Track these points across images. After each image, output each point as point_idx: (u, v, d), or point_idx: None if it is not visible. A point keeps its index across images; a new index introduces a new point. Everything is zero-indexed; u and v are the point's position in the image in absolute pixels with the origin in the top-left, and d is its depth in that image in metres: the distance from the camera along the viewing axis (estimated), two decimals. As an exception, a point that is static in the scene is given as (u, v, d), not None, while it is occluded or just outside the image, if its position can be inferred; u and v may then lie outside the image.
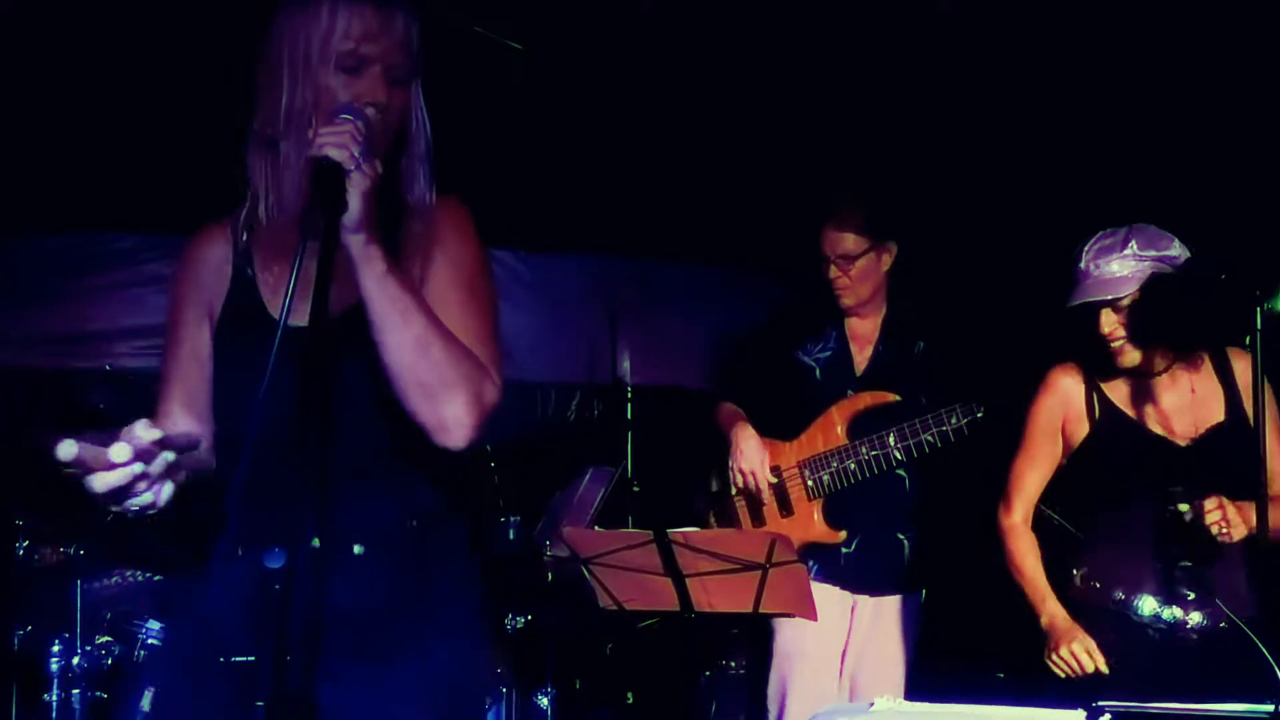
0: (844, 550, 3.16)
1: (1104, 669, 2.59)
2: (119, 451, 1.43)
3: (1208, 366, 2.71)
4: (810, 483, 3.17)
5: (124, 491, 1.45)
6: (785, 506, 3.21)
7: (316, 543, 1.38)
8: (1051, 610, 2.72)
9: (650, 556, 2.74)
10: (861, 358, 3.25)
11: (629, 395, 5.04)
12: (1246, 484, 2.43)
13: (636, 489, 3.48)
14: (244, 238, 1.76)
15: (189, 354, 1.76)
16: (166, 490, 1.50)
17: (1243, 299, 2.38)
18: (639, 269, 5.19)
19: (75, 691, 3.19)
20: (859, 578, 3.17)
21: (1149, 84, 3.90)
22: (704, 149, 4.48)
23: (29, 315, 4.48)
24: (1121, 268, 2.61)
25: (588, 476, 4.02)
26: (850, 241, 3.19)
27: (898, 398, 3.13)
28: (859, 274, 3.19)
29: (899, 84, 4.14)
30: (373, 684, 1.64)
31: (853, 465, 3.12)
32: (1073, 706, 1.49)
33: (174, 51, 3.63)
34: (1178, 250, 2.63)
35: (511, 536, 3.81)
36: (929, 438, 3.03)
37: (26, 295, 4.48)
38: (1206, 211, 2.72)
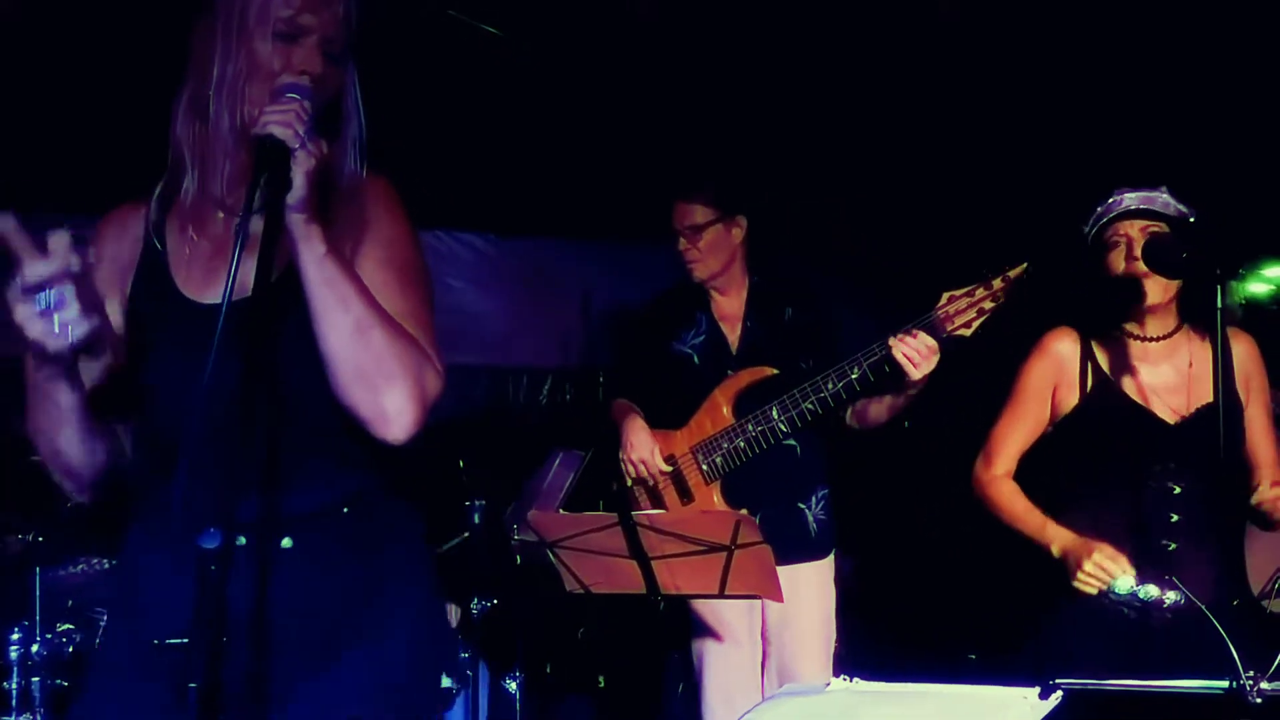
0: None
1: (1130, 569, 2.56)
2: (56, 239, 1.40)
3: (1207, 343, 2.67)
4: (705, 466, 3.20)
5: (52, 293, 1.40)
6: (685, 493, 3.23)
7: (242, 540, 1.34)
8: (1056, 535, 2.66)
9: (616, 539, 2.74)
10: (734, 336, 3.28)
11: (601, 379, 5.02)
12: (1232, 466, 2.45)
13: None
14: (155, 212, 1.71)
15: None
16: (88, 326, 1.44)
17: (1204, 278, 2.38)
18: (610, 252, 5.17)
19: (35, 679, 3.16)
20: None
21: (1113, 67, 3.92)
22: (677, 133, 4.46)
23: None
24: (1151, 203, 2.64)
25: (557, 460, 4.00)
26: (698, 214, 3.24)
27: (775, 371, 3.17)
28: (707, 246, 3.24)
29: (889, 82, 4.15)
30: (322, 682, 1.60)
31: (742, 443, 3.14)
32: (1029, 685, 1.48)
33: (140, 36, 3.58)
34: (1194, 217, 2.67)
35: (477, 520, 3.79)
36: (810, 406, 3.04)
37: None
38: (1178, 177, 2.72)
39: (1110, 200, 2.70)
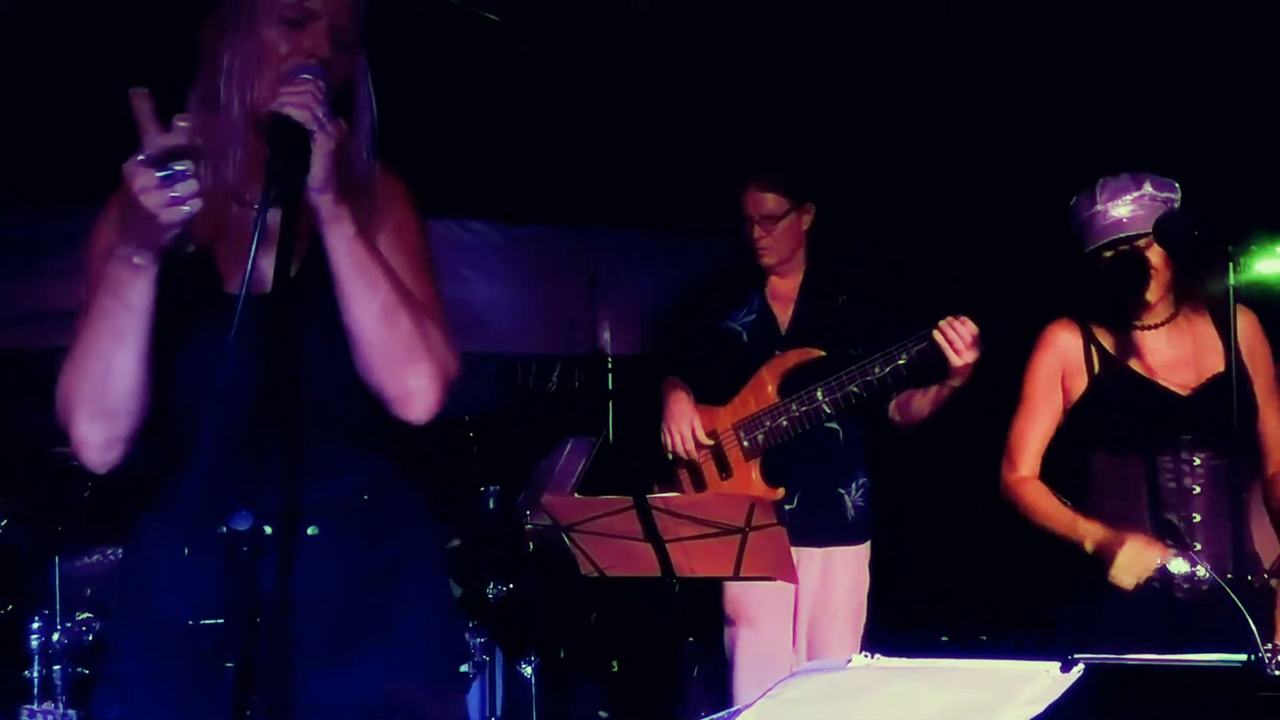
0: (786, 507, 3.21)
1: (1164, 555, 2.55)
2: (180, 117, 1.47)
3: (1209, 317, 2.68)
4: (746, 443, 3.22)
5: (176, 165, 1.46)
6: (724, 468, 3.25)
7: (269, 530, 1.36)
8: (1087, 531, 2.65)
9: (630, 522, 2.74)
10: (785, 316, 3.31)
11: (609, 365, 5.04)
12: (1243, 438, 2.44)
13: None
14: None
15: None
16: (199, 203, 1.49)
17: (1216, 256, 2.38)
18: (617, 239, 5.18)
19: (56, 668, 3.19)
20: (802, 532, 3.20)
21: (1116, 42, 3.91)
22: (683, 117, 4.46)
23: (3, 292, 4.44)
24: (1138, 208, 2.59)
25: (568, 446, 4.02)
26: (772, 202, 3.26)
27: (823, 353, 3.19)
28: (781, 234, 3.26)
29: (888, 79, 4.15)
30: (348, 667, 1.62)
31: (784, 422, 3.16)
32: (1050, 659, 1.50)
33: (148, 28, 3.59)
34: (1178, 196, 2.63)
35: (492, 506, 3.81)
36: (855, 389, 3.07)
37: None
38: (1179, 168, 2.70)
39: (1096, 209, 2.63)
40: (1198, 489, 2.60)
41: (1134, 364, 2.69)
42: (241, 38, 1.61)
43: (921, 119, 4.36)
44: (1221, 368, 2.63)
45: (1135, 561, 2.56)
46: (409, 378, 1.59)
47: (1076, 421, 2.76)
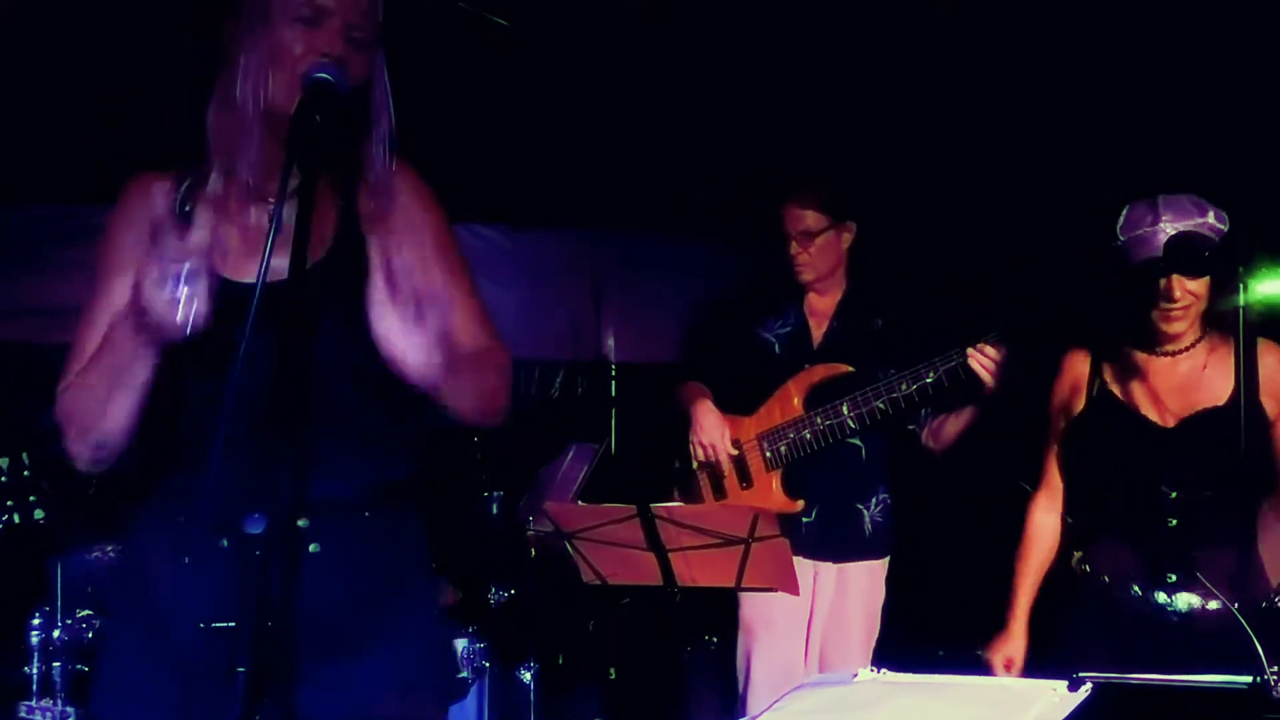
0: (804, 520, 3.22)
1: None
2: (202, 215, 1.51)
3: (1229, 347, 2.55)
4: (768, 454, 3.23)
5: (185, 270, 1.46)
6: (745, 478, 3.27)
7: (304, 523, 1.36)
8: (1011, 615, 2.78)
9: (633, 531, 2.75)
10: (819, 332, 3.32)
11: (613, 372, 5.04)
12: (1237, 470, 2.38)
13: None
14: (185, 194, 1.70)
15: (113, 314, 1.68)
16: (204, 308, 1.48)
17: (1227, 276, 2.37)
18: (623, 245, 5.17)
19: (56, 664, 3.18)
20: (820, 546, 3.23)
21: (1121, 58, 3.91)
22: (688, 122, 4.46)
23: (6, 287, 4.44)
24: (1204, 247, 2.48)
25: (571, 453, 4.01)
26: (810, 219, 3.26)
27: (851, 369, 3.19)
28: (819, 251, 3.27)
29: (889, 78, 4.15)
30: (345, 680, 1.63)
31: (808, 435, 3.17)
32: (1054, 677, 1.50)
33: (149, 27, 3.59)
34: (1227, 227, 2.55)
35: (495, 512, 3.81)
36: (880, 405, 3.07)
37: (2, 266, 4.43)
38: (1190, 182, 2.69)
39: (1159, 227, 2.51)
40: (1174, 522, 2.55)
41: (1125, 391, 2.65)
42: (257, 37, 1.62)
43: (925, 118, 4.35)
44: (1222, 401, 2.55)
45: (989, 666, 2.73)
46: (479, 396, 1.65)
47: (1065, 448, 2.77)
